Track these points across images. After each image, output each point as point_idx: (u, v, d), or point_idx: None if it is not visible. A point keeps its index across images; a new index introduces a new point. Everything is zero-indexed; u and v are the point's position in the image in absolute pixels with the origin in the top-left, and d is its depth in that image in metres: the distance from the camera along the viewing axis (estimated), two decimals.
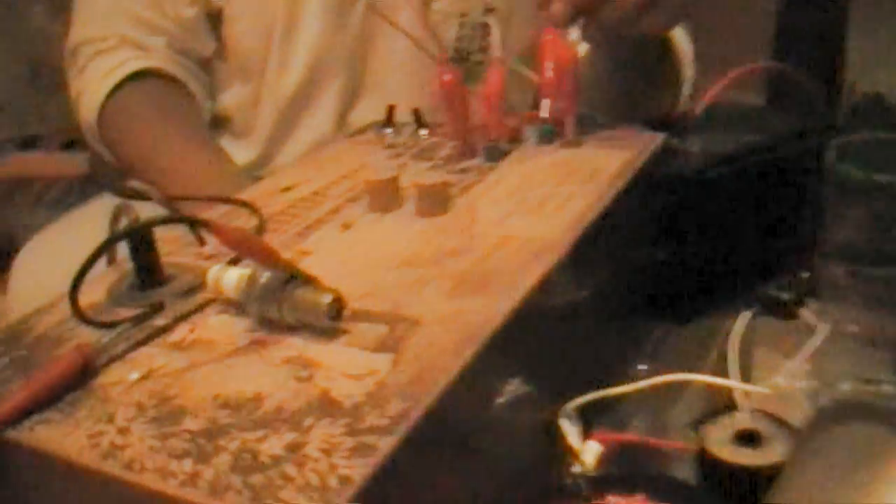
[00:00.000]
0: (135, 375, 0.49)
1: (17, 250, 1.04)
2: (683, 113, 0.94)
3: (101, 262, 0.57)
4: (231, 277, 0.54)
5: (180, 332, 0.53)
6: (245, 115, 1.24)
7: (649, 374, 0.80)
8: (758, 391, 0.66)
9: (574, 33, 0.83)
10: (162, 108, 1.09)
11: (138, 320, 0.53)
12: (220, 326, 0.53)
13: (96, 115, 1.08)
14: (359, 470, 0.39)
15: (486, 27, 1.16)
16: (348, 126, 1.16)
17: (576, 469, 0.59)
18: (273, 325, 0.52)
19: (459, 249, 0.60)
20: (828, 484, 0.54)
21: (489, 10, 1.15)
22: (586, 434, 0.62)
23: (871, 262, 0.89)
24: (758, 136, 0.91)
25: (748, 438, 0.63)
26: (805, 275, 0.93)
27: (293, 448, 0.41)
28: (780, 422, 0.63)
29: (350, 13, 1.12)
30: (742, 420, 0.64)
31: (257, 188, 0.77)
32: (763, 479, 0.58)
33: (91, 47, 1.12)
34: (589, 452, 0.60)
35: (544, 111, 0.79)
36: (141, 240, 0.56)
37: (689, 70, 1.22)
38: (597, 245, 0.64)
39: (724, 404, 0.71)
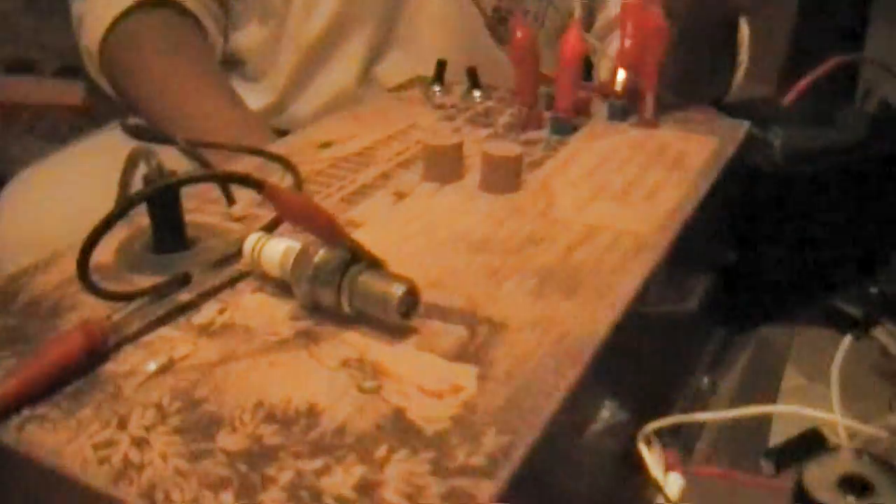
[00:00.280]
0: (152, 366, 0.39)
1: (2, 183, 0.93)
2: (768, 102, 0.84)
3: (98, 202, 0.47)
4: (274, 250, 0.44)
5: (208, 312, 0.43)
6: (261, 58, 1.13)
7: (712, 388, 0.71)
8: (868, 432, 0.57)
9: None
10: (173, 42, 0.98)
11: (159, 293, 0.43)
12: (257, 309, 0.43)
13: (99, 42, 0.97)
14: None
15: None
16: (373, 81, 1.05)
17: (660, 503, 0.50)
18: (323, 314, 0.42)
19: (538, 237, 0.50)
20: None
21: None
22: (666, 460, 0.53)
23: None
24: (843, 134, 0.81)
25: (854, 484, 0.54)
26: (874, 290, 0.84)
27: (366, 488, 0.32)
28: (890, 468, 0.54)
29: None
30: (846, 462, 0.55)
31: (289, 141, 0.66)
32: None
33: None
34: (673, 485, 0.51)
35: (619, 84, 0.69)
36: (167, 198, 0.45)
37: (744, 57, 1.13)
38: (689, 245, 0.55)
39: (805, 435, 0.63)
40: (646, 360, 0.52)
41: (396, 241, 0.50)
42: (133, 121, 0.89)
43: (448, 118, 0.71)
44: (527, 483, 0.34)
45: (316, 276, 0.41)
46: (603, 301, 0.44)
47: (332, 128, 0.68)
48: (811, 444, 0.61)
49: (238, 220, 0.53)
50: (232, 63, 1.15)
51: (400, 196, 0.56)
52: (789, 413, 0.60)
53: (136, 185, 0.50)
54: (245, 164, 0.60)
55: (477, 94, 0.74)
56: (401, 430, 0.35)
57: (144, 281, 0.45)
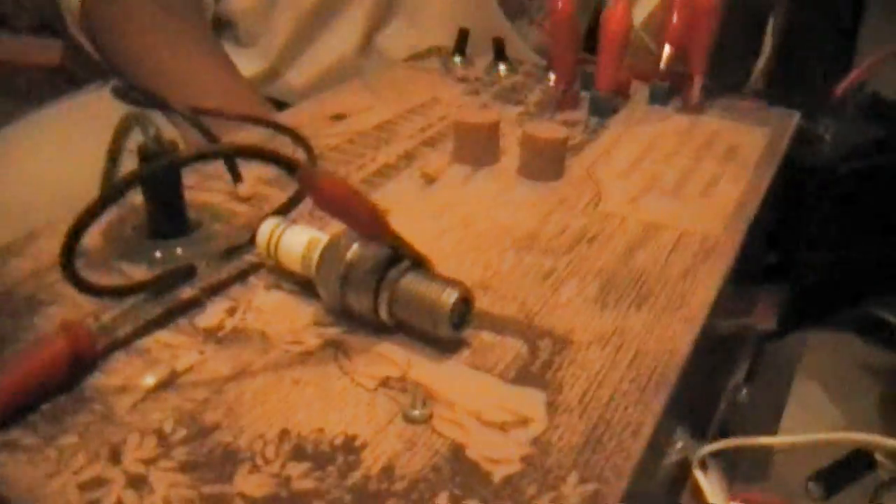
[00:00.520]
0: (150, 380, 0.32)
1: None
2: (818, 94, 0.78)
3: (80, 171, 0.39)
4: (296, 240, 0.37)
5: (215, 313, 0.36)
6: (254, 21, 1.05)
7: (750, 400, 0.65)
8: None
9: None
10: (163, 1, 0.90)
11: (158, 288, 0.36)
12: (274, 310, 0.36)
13: None
14: None
15: None
16: (374, 50, 0.98)
17: None
18: (352, 320, 0.35)
19: (591, 234, 0.44)
20: None
21: None
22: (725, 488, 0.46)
23: None
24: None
25: None
26: None
27: None
28: None
29: None
30: None
31: (297, 112, 0.59)
32: None
33: None
34: None
35: (665, 59, 0.62)
36: (167, 176, 0.38)
37: (767, 46, 1.07)
38: (750, 249, 0.48)
39: (852, 457, 0.57)
40: (700, 376, 0.46)
41: (430, 233, 0.43)
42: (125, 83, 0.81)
43: (473, 93, 0.64)
44: None
45: (348, 277, 0.35)
46: (678, 314, 0.38)
47: (343, 98, 0.61)
48: (859, 465, 0.55)
49: (245, 200, 0.46)
50: (222, 26, 1.07)
51: (428, 179, 0.49)
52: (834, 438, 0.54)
53: (128, 155, 0.43)
54: (244, 138, 0.53)
55: (502, 67, 0.67)
56: (463, 472, 0.28)
57: (139, 272, 0.38)
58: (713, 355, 0.49)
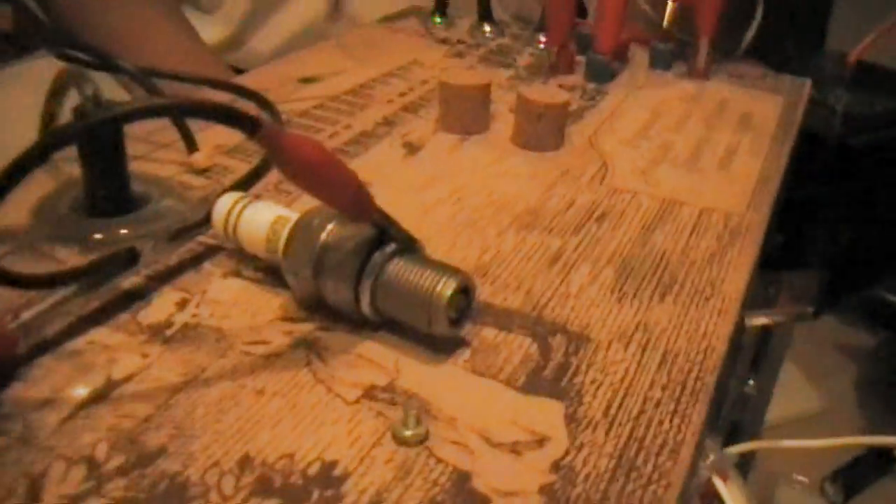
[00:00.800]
0: (82, 391, 0.26)
1: None
2: (830, 62, 0.72)
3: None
4: (259, 219, 0.31)
5: (163, 307, 0.30)
6: None
7: (758, 392, 0.60)
8: None
9: None
10: None
11: (94, 276, 0.29)
12: (233, 302, 0.30)
13: None
14: None
15: None
16: (343, 16, 0.92)
17: None
18: (328, 312, 0.29)
19: (601, 210, 0.38)
20: None
21: None
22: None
23: None
24: None
25: None
26: None
27: None
28: None
29: None
30: None
31: (262, 74, 0.53)
32: None
33: None
34: None
35: (668, 19, 0.56)
36: (107, 138, 0.32)
37: (759, 12, 1.02)
38: (772, 223, 0.43)
39: (868, 456, 0.52)
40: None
41: (415, 208, 0.37)
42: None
43: (457, 55, 0.58)
44: None
45: (323, 262, 0.28)
46: (709, 305, 0.32)
47: (313, 60, 0.55)
48: (877, 465, 0.51)
49: (201, 171, 0.40)
50: None
51: (411, 147, 0.43)
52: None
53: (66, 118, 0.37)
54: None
55: (488, 28, 0.61)
56: None
57: (72, 257, 0.32)
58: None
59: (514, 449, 0.25)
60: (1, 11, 1.53)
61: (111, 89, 0.58)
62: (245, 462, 0.24)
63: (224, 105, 0.25)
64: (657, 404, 0.27)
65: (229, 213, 0.33)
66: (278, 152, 0.25)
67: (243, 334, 0.30)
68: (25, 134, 0.41)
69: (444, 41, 0.60)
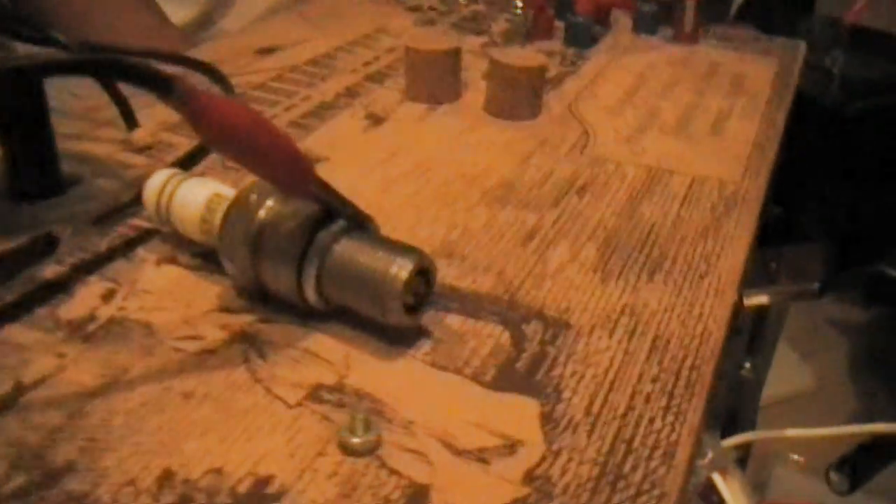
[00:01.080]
0: None
1: None
2: (822, 26, 0.68)
3: None
4: (194, 198, 0.27)
5: (86, 299, 0.26)
6: None
7: (754, 374, 0.57)
8: None
9: None
10: None
11: (9, 265, 0.26)
12: (166, 293, 0.27)
13: None
14: None
15: None
16: None
17: None
18: (272, 303, 0.26)
19: (582, 181, 0.34)
20: None
21: None
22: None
23: None
24: None
25: None
26: None
27: None
28: None
29: None
30: None
31: (217, 46, 0.49)
32: None
33: None
34: None
35: None
36: (28, 112, 0.28)
37: None
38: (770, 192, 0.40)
39: (873, 443, 0.49)
40: None
41: (376, 183, 0.34)
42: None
43: (427, 22, 0.54)
44: None
45: (261, 243, 0.25)
46: (704, 284, 0.29)
47: (274, 30, 0.51)
48: (882, 452, 0.47)
49: (142, 149, 0.36)
50: None
51: (375, 119, 0.39)
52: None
53: None
54: None
55: None
56: None
57: None
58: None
59: (481, 457, 0.21)
60: None
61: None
62: (165, 479, 0.20)
63: (131, 62, 0.21)
64: (647, 399, 0.24)
65: (161, 191, 0.29)
66: (197, 116, 0.21)
67: (175, 329, 0.26)
68: None
69: (414, 9, 0.56)
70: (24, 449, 0.21)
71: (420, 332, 0.25)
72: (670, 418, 0.23)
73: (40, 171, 0.33)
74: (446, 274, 0.29)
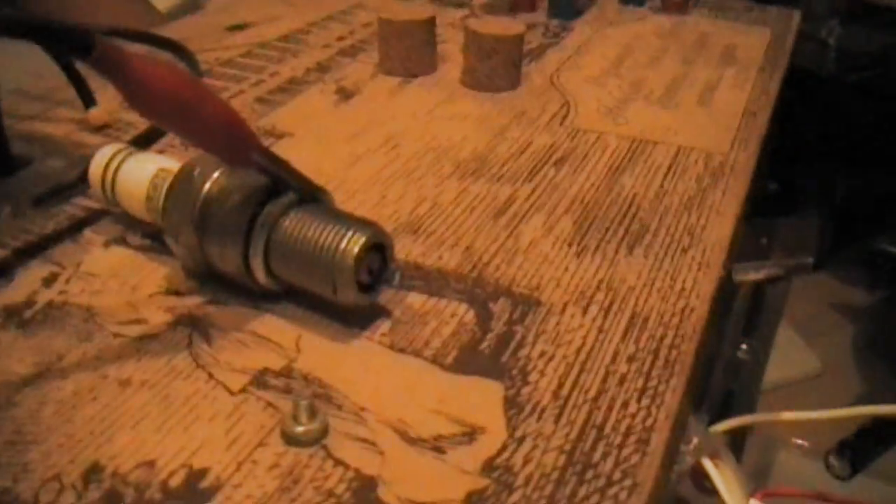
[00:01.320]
0: None
1: None
2: None
3: None
4: (139, 174, 0.25)
5: (26, 283, 0.25)
6: None
7: (751, 356, 0.55)
8: None
9: None
10: None
11: None
12: (112, 276, 0.25)
13: None
14: None
15: None
16: None
17: None
18: (220, 284, 0.24)
19: (560, 153, 0.32)
20: None
21: None
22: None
23: None
24: None
25: None
26: None
27: None
28: None
29: None
30: None
31: (186, 23, 0.47)
32: None
33: None
34: None
35: None
36: None
37: None
38: (762, 164, 0.38)
39: (873, 426, 0.47)
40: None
41: (342, 158, 0.32)
42: None
43: None
44: None
45: (206, 219, 0.23)
46: (686, 257, 0.27)
47: (244, 7, 0.49)
48: (883, 435, 0.45)
49: (99, 129, 0.34)
50: None
51: (345, 94, 0.37)
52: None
53: None
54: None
55: None
56: None
57: None
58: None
59: (437, 445, 0.19)
60: None
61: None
62: (92, 473, 0.19)
63: (45, 20, 0.19)
64: (622, 381, 0.22)
65: (106, 168, 0.27)
66: (122, 78, 0.19)
67: (117, 313, 0.24)
68: None
69: None
70: None
71: (378, 312, 0.24)
72: (646, 401, 0.21)
73: None
74: (411, 250, 0.27)
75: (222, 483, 0.19)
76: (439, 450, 0.19)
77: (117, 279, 0.26)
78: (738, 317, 0.53)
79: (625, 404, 0.21)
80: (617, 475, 0.19)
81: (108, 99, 0.35)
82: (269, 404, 0.21)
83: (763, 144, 0.37)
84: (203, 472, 0.19)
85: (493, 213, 0.29)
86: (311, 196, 0.24)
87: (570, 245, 0.27)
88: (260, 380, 0.21)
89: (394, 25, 0.39)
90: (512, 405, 0.21)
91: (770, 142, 0.40)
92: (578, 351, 0.23)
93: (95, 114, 0.35)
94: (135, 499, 0.18)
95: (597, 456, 0.19)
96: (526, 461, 0.19)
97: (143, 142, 0.33)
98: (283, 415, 0.20)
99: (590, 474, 0.19)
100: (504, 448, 0.20)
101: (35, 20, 0.19)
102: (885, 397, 0.88)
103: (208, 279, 0.25)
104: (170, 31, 0.44)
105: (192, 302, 0.24)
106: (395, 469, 0.19)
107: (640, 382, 0.22)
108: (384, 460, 0.19)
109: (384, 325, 0.23)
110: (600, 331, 0.24)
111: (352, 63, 0.41)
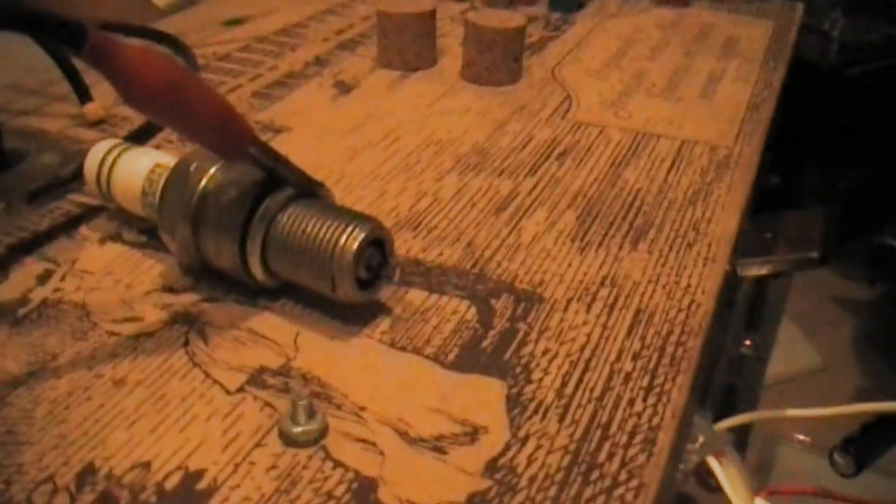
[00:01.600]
0: None
1: None
2: None
3: None
4: (135, 168, 0.25)
5: (21, 281, 0.24)
6: None
7: (755, 353, 0.54)
8: None
9: None
10: None
11: None
12: (108, 273, 0.24)
13: None
14: None
15: None
16: None
17: None
18: (217, 280, 0.23)
19: (562, 147, 0.32)
20: None
21: None
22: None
23: None
24: None
25: None
26: None
27: None
28: None
29: None
30: None
31: (183, 17, 0.46)
32: None
33: None
34: None
35: None
36: None
37: None
38: (765, 157, 0.37)
39: (878, 423, 0.47)
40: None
41: (339, 153, 0.31)
42: None
43: None
44: None
45: (202, 214, 0.22)
46: (692, 252, 0.26)
47: (244, 0, 0.48)
48: (887, 431, 0.45)
49: (95, 124, 0.34)
50: None
51: (344, 87, 0.37)
52: None
53: None
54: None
55: None
56: None
57: None
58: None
59: (438, 446, 0.19)
60: None
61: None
62: (87, 474, 0.18)
63: (31, 10, 0.19)
64: (627, 379, 0.21)
65: (102, 163, 0.26)
66: (115, 71, 0.19)
67: (112, 310, 0.24)
68: None
69: None
70: None
71: (378, 310, 0.23)
72: (652, 399, 0.21)
73: None
74: (412, 246, 0.26)
75: (219, 485, 0.18)
76: (440, 450, 0.19)
77: (112, 276, 0.25)
78: (741, 312, 0.52)
79: (630, 403, 0.21)
80: (623, 476, 0.18)
81: (103, 94, 0.35)
82: (267, 404, 0.20)
83: (766, 137, 0.36)
84: (199, 474, 0.18)
85: (495, 208, 0.28)
86: (309, 191, 0.23)
87: (573, 240, 0.27)
88: (257, 379, 0.21)
89: (393, 19, 0.38)
90: (515, 404, 0.20)
91: (772, 135, 0.40)
92: (582, 348, 0.22)
93: (91, 109, 0.35)
94: (129, 501, 0.18)
95: (602, 456, 0.19)
96: (529, 462, 0.19)
97: (139, 137, 0.32)
98: (281, 415, 0.20)
99: (595, 475, 0.18)
100: (507, 448, 0.19)
101: (26, 11, 0.19)
102: (886, 392, 0.87)
103: (204, 276, 0.25)
104: (167, 26, 0.44)
105: (188, 299, 0.24)
106: (396, 470, 0.18)
107: (646, 380, 0.21)
108: (384, 461, 0.19)
109: (384, 323, 0.23)
110: (604, 328, 0.23)
111: (351, 57, 0.41)
